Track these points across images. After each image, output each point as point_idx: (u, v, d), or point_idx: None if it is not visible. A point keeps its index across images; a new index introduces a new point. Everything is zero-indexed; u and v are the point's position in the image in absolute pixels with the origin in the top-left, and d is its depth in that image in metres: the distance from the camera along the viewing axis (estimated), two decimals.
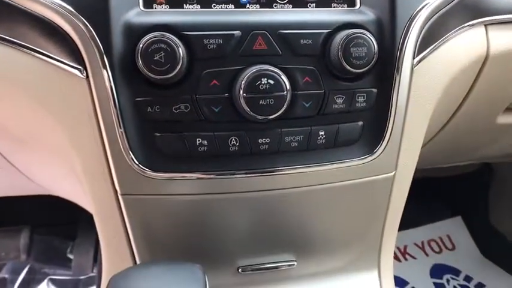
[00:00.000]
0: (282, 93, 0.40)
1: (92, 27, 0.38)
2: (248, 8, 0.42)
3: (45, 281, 1.25)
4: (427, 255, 1.51)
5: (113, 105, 0.39)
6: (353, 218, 0.48)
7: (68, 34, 0.38)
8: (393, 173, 0.47)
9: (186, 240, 0.44)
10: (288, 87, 0.40)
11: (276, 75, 0.40)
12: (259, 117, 0.40)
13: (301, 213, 0.46)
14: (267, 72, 0.39)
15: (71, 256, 1.19)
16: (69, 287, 1.25)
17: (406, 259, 1.52)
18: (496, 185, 1.47)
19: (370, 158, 0.45)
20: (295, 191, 0.44)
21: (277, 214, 0.45)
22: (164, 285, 0.28)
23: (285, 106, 0.40)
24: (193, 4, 0.41)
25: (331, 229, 0.48)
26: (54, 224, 1.13)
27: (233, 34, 0.40)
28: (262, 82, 0.39)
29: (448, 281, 1.41)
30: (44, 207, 0.69)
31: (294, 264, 0.46)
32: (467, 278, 1.41)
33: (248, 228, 0.45)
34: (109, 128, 0.39)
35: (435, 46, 0.47)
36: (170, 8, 0.40)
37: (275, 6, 0.42)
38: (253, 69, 0.39)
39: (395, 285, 1.48)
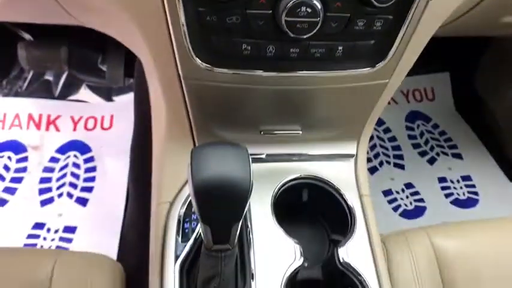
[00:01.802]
0: (316, 19, 0.50)
1: None
2: None
3: (83, 85, 1.47)
4: (408, 102, 1.72)
5: (180, 13, 0.48)
6: (347, 108, 0.65)
7: None
8: (388, 80, 0.62)
9: (227, 114, 0.61)
10: (322, 14, 0.50)
11: (314, 5, 0.49)
12: (294, 35, 0.51)
13: (310, 102, 0.62)
14: (307, 2, 0.49)
15: (102, 67, 1.36)
16: (103, 93, 1.47)
17: (389, 103, 1.74)
18: (489, 53, 1.57)
19: (372, 70, 0.59)
20: (310, 88, 0.59)
21: (293, 101, 0.61)
22: (230, 158, 0.46)
23: (316, 28, 0.51)
24: None
25: (329, 113, 0.65)
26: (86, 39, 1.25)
27: None
28: (302, 10, 0.49)
29: (418, 126, 1.65)
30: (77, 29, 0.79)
31: (299, 133, 0.66)
32: (435, 126, 1.65)
33: (270, 108, 0.62)
34: (176, 30, 0.50)
35: None
36: None
37: None
38: None
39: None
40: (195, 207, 0.45)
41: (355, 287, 0.58)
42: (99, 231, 1.22)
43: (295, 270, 0.57)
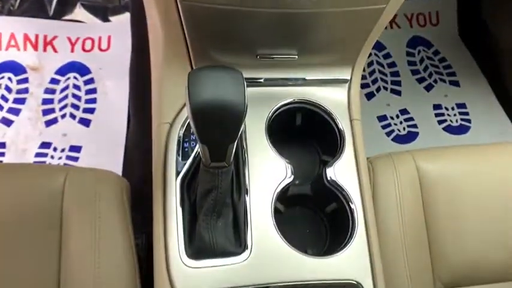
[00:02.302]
0: None
1: None
2: None
3: (78, 4, 1.43)
4: (411, 26, 1.68)
5: None
6: (343, 33, 0.65)
7: None
8: (385, 5, 0.61)
9: (224, 37, 0.62)
10: None
11: None
12: None
13: (306, 26, 0.62)
14: None
15: None
16: (99, 13, 1.44)
17: (392, 27, 1.70)
18: None
19: None
20: (306, 11, 0.59)
21: (289, 25, 0.62)
22: (225, 81, 0.48)
23: None
24: None
25: (324, 38, 0.65)
26: None
27: None
28: None
29: (419, 51, 1.63)
30: None
31: (295, 57, 0.67)
32: (436, 52, 1.63)
33: (267, 31, 0.62)
34: None
35: None
36: None
37: None
38: None
39: (375, 48, 1.72)
40: (193, 129, 0.48)
41: (340, 201, 0.64)
42: (104, 150, 1.28)
43: (285, 186, 0.62)
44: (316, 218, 0.69)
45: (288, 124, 0.72)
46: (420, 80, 1.56)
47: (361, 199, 0.62)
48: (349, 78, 0.73)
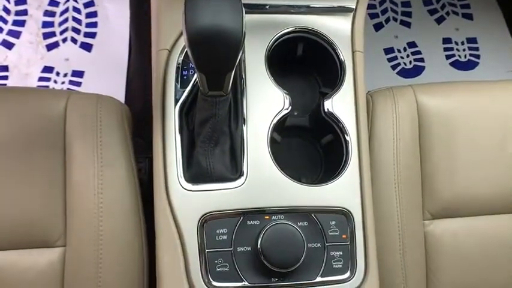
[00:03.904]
0: None
1: None
2: None
3: None
4: None
5: None
6: None
7: None
8: None
9: None
10: None
11: None
12: None
13: None
14: None
15: None
16: None
17: None
18: None
19: None
20: None
21: None
22: (222, 7, 0.46)
23: None
24: None
25: None
26: None
27: None
28: None
29: None
30: None
31: None
32: None
33: None
34: None
35: None
36: None
37: None
38: None
39: None
40: (190, 57, 0.48)
41: (336, 133, 0.65)
42: (106, 75, 1.28)
43: (282, 116, 0.63)
44: (311, 148, 0.71)
45: (289, 54, 0.71)
46: (432, 12, 1.49)
47: (357, 131, 0.64)
48: (354, 7, 0.70)
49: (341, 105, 0.65)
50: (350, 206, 0.61)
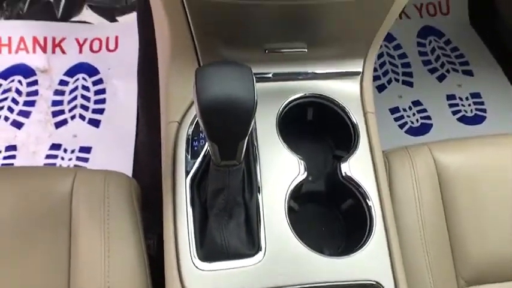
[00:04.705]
0: None
1: None
2: None
3: (85, 5, 1.42)
4: (421, 16, 1.64)
5: None
6: (353, 24, 0.63)
7: None
8: None
9: (231, 32, 0.60)
10: None
11: None
12: None
13: (315, 17, 0.60)
14: None
15: None
16: (106, 13, 1.43)
17: (401, 18, 1.67)
18: None
19: None
20: (314, 3, 0.57)
21: (297, 17, 0.60)
22: (234, 77, 0.46)
23: None
24: None
25: (334, 30, 0.63)
26: None
27: None
28: None
29: (430, 42, 1.59)
30: None
31: (305, 50, 0.65)
32: (447, 42, 1.59)
33: (275, 24, 0.60)
34: None
35: None
36: None
37: None
38: None
39: (385, 39, 1.69)
40: (202, 127, 0.47)
41: (356, 197, 0.62)
42: (114, 151, 1.27)
43: (299, 183, 0.60)
44: (331, 215, 0.67)
45: (300, 119, 0.70)
46: (432, 71, 1.52)
47: (379, 195, 0.60)
48: (361, 70, 0.70)
49: (359, 168, 0.63)
50: (380, 278, 0.55)
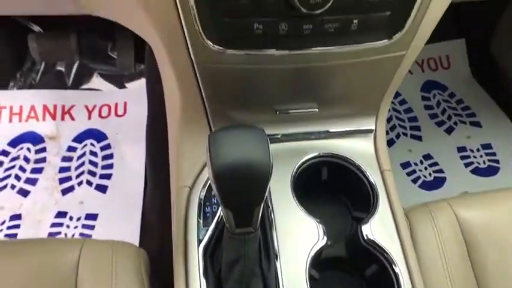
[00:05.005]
0: None
1: None
2: None
3: (95, 74, 1.47)
4: (423, 71, 1.67)
5: None
6: (364, 83, 0.63)
7: None
8: (405, 51, 0.60)
9: (242, 96, 0.60)
10: None
11: None
12: (307, 11, 0.49)
13: (325, 78, 0.60)
14: None
15: (112, 55, 1.36)
16: (115, 80, 1.47)
17: None
18: (506, 16, 1.51)
19: (389, 41, 0.57)
20: (325, 65, 0.58)
21: (308, 79, 0.60)
22: (247, 141, 0.45)
23: (329, 3, 0.49)
24: None
25: (345, 89, 0.63)
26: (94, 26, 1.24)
27: None
28: None
29: (434, 95, 1.61)
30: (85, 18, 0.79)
31: (316, 110, 0.64)
32: (451, 95, 1.61)
33: (285, 87, 0.61)
34: (186, 12, 0.49)
35: None
36: None
37: None
38: None
39: None
40: (215, 193, 0.45)
41: (381, 263, 0.58)
42: (120, 217, 1.24)
43: (319, 249, 0.57)
44: (354, 282, 0.62)
45: (314, 180, 0.68)
46: (440, 124, 1.52)
47: (405, 260, 0.56)
48: (373, 128, 0.70)
49: (381, 230, 0.59)
50: None
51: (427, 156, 1.42)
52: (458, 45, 1.66)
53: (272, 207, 0.60)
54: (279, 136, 0.66)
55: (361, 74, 0.62)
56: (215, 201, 0.61)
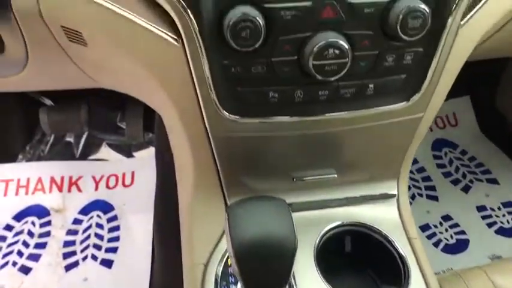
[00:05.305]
0: (344, 60, 0.48)
1: (185, 3, 0.44)
2: None
3: (103, 144, 1.47)
4: (431, 130, 1.67)
5: (205, 67, 0.48)
6: (383, 146, 0.61)
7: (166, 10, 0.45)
8: (423, 113, 0.58)
9: (258, 164, 0.58)
10: (350, 54, 0.48)
11: (341, 46, 0.47)
12: (323, 78, 0.49)
13: (343, 143, 0.58)
14: (334, 43, 0.47)
15: (121, 125, 1.37)
16: (123, 150, 1.47)
17: None
18: (509, 69, 1.53)
19: (407, 104, 0.55)
20: (342, 129, 0.56)
21: (325, 144, 0.58)
22: (270, 214, 0.42)
23: (345, 69, 0.49)
24: None
25: (364, 153, 0.61)
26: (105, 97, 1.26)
27: (305, 5, 0.46)
28: (329, 52, 0.47)
29: (445, 153, 1.59)
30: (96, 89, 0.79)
31: (334, 176, 0.62)
32: (463, 152, 1.59)
33: (302, 153, 0.59)
34: (201, 84, 0.49)
35: (483, 4, 0.52)
36: None
37: None
38: (321, 40, 0.46)
39: None
40: (236, 272, 0.41)
41: None
42: None
43: None
44: None
45: (337, 251, 0.63)
46: (455, 182, 1.48)
47: None
48: (395, 192, 0.66)
49: None
50: None
51: (446, 217, 1.36)
52: (464, 102, 1.67)
53: (295, 284, 0.55)
54: (297, 205, 0.63)
55: (379, 138, 0.60)
56: (233, 281, 0.56)
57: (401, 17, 0.46)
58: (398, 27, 0.47)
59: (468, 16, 0.52)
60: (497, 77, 1.57)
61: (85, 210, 1.37)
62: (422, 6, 0.46)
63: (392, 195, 0.66)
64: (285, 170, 0.60)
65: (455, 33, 0.52)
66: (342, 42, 0.47)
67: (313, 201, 0.63)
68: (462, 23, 0.52)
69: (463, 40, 0.53)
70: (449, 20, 0.50)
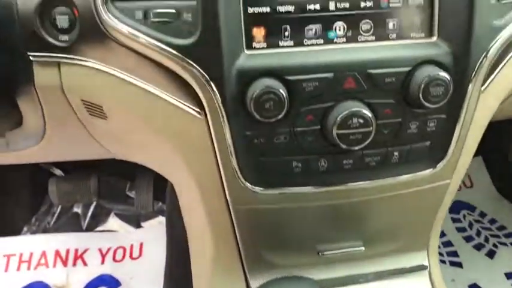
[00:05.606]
0: (368, 128, 0.47)
1: (208, 77, 0.44)
2: (336, 42, 0.47)
3: (112, 214, 1.43)
4: None
5: (227, 138, 0.47)
6: (410, 215, 0.58)
7: (188, 82, 0.45)
8: (449, 180, 0.56)
9: (281, 237, 0.55)
10: (374, 123, 0.47)
11: (364, 115, 0.46)
12: (347, 147, 0.48)
13: (370, 213, 0.56)
14: (358, 112, 0.46)
15: (130, 194, 1.34)
16: (132, 219, 1.43)
17: None
18: None
19: (433, 171, 0.53)
20: (368, 199, 0.54)
21: (350, 214, 0.56)
22: None
23: (370, 138, 0.48)
24: (287, 40, 0.46)
25: (391, 224, 0.58)
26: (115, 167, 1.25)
27: (327, 77, 0.46)
28: (353, 121, 0.46)
29: (464, 216, 1.53)
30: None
31: (362, 249, 0.58)
32: (482, 214, 1.53)
33: (327, 225, 0.56)
34: (223, 155, 0.48)
35: (500, 69, 0.52)
36: (267, 46, 0.45)
37: (359, 38, 0.47)
38: (344, 109, 0.46)
39: None
40: None
41: None
42: None
43: None
44: None
45: None
46: (478, 247, 1.40)
47: None
48: (426, 263, 0.62)
49: None
50: None
51: (474, 286, 1.28)
52: (477, 163, 1.65)
53: None
54: (324, 282, 0.58)
55: (407, 206, 0.57)
56: None
57: (423, 85, 0.46)
58: (420, 95, 0.46)
59: (488, 81, 0.52)
60: (509, 135, 1.56)
61: (90, 287, 1.30)
62: (443, 74, 0.46)
63: (424, 267, 0.61)
64: (310, 243, 0.57)
65: (477, 99, 0.51)
66: (365, 111, 0.46)
67: (340, 278, 0.59)
68: (483, 88, 0.51)
69: (485, 104, 0.53)
70: (470, 87, 0.50)
